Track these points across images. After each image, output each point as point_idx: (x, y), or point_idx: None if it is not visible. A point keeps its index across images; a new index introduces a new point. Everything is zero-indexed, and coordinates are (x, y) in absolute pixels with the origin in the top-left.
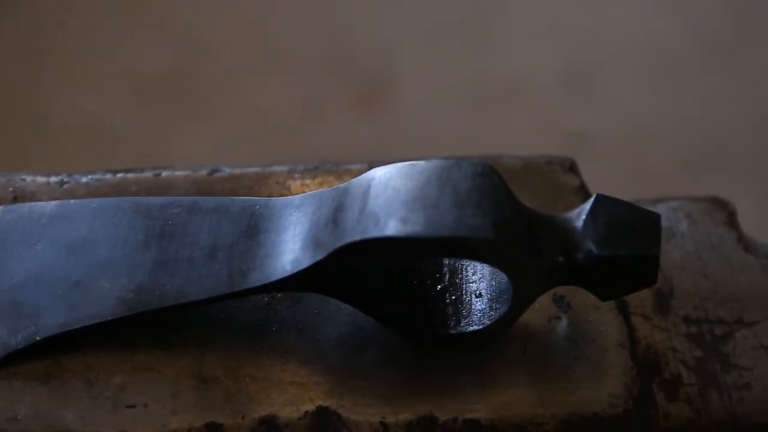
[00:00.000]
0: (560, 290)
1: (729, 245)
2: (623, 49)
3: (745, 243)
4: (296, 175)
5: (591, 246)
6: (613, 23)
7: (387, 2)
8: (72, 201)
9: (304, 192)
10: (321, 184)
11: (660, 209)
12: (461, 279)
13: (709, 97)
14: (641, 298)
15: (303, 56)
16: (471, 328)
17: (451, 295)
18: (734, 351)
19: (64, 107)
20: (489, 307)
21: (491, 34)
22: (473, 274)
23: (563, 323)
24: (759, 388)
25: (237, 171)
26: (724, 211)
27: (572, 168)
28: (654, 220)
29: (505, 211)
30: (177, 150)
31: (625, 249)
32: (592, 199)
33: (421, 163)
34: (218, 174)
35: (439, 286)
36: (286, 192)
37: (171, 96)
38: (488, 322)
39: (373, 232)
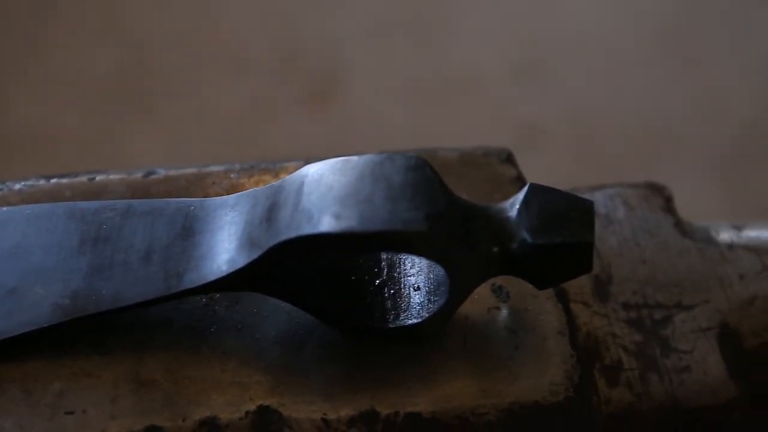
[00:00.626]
0: (499, 280)
1: (666, 230)
2: (571, 39)
3: (682, 227)
4: (232, 175)
5: (525, 235)
6: (561, 14)
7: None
8: (5, 208)
9: (240, 191)
10: (257, 183)
11: (597, 197)
12: (399, 273)
13: (655, 84)
14: (580, 286)
15: (253, 55)
16: (410, 322)
17: (389, 290)
18: (673, 335)
19: (10, 114)
20: (427, 299)
21: (440, 28)
22: (411, 268)
23: (503, 313)
24: (698, 370)
25: (173, 172)
26: (660, 196)
27: (509, 159)
28: (587, 207)
29: (438, 204)
30: (128, 153)
31: (559, 237)
32: (525, 189)
33: (354, 158)
34: (154, 176)
35: (377, 281)
36: (222, 192)
37: (120, 99)
38: (427, 315)
39: (307, 229)
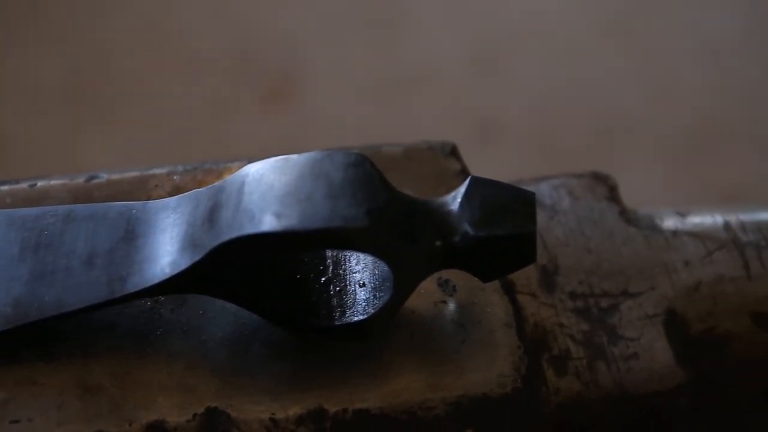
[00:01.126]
0: (445, 274)
1: (611, 219)
2: (527, 31)
3: (626, 216)
4: (175, 177)
5: (467, 228)
6: (514, 6)
7: None
8: None
9: (183, 193)
10: (200, 184)
11: (542, 188)
12: (345, 270)
13: (609, 75)
14: (527, 277)
15: (207, 56)
16: (356, 318)
17: (335, 287)
18: (620, 322)
19: None
20: (373, 296)
21: (395, 24)
22: (356, 264)
23: (449, 307)
24: (646, 357)
25: (115, 176)
26: (605, 185)
27: (453, 152)
28: (529, 198)
29: (379, 199)
30: (82, 160)
31: (501, 228)
32: (466, 182)
33: (295, 156)
34: (96, 180)
35: (322, 279)
36: (165, 194)
37: (74, 103)
38: (372, 311)
39: (248, 229)
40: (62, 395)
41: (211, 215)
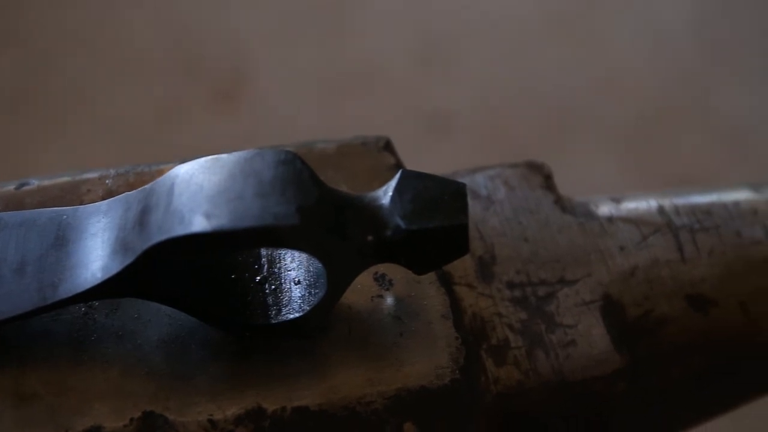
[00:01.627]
0: (381, 268)
1: (546, 207)
2: (475, 24)
3: (562, 204)
4: (108, 181)
5: (399, 222)
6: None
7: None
8: None
9: (115, 197)
10: (133, 187)
11: (478, 179)
12: (280, 268)
13: (559, 65)
14: (464, 268)
15: (154, 59)
16: (292, 316)
17: (270, 285)
18: (558, 310)
19: None
20: (308, 293)
21: (344, 19)
22: (291, 262)
23: (386, 301)
24: (583, 343)
25: (46, 182)
26: (540, 174)
27: (387, 147)
28: (460, 189)
29: (309, 196)
30: (31, 167)
31: (433, 221)
32: (397, 176)
33: (224, 156)
34: (26, 187)
35: (257, 278)
36: (98, 199)
37: (18, 112)
38: (308, 308)
39: (179, 231)
40: None
41: (142, 218)
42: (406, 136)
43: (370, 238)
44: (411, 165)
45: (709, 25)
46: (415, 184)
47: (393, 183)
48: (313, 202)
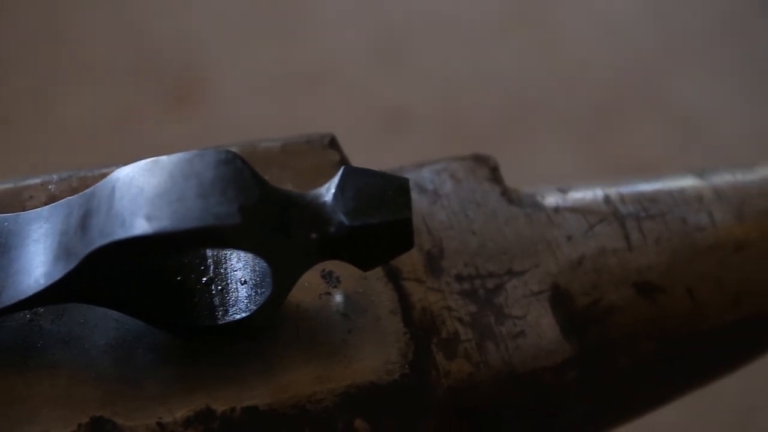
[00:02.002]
0: (329, 265)
1: (493, 200)
2: (429, 18)
3: (509, 195)
4: (50, 187)
5: (342, 218)
6: None
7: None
8: None
9: (56, 202)
10: (76, 192)
11: (424, 173)
12: (226, 269)
13: (514, 57)
14: (413, 263)
15: (108, 62)
16: (239, 316)
17: (217, 286)
18: (506, 301)
19: None
20: (254, 292)
21: (299, 19)
22: (237, 262)
23: (334, 298)
24: (533, 333)
25: None
26: (486, 166)
27: (332, 143)
28: (403, 184)
29: (251, 195)
30: None
31: (376, 217)
32: (339, 172)
33: (164, 158)
34: None
35: (204, 279)
36: (40, 204)
37: None
38: (255, 308)
39: (120, 234)
40: None
41: (84, 222)
42: (364, 133)
43: (313, 235)
44: (369, 162)
45: (662, 15)
46: (357, 181)
47: (335, 180)
48: (254, 201)
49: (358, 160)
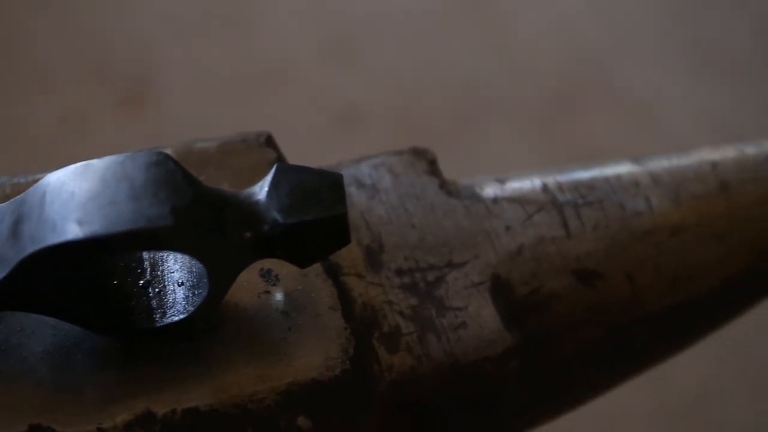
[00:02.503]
0: (267, 264)
1: (432, 193)
2: (378, 14)
3: (447, 188)
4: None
5: (276, 216)
6: None
7: (134, 2)
8: None
9: None
10: (9, 198)
11: (362, 168)
12: (163, 270)
13: (465, 50)
14: (353, 258)
15: (57, 66)
16: (177, 318)
17: (154, 289)
18: (447, 293)
19: None
20: (192, 293)
21: (248, 19)
22: (174, 264)
23: (273, 296)
24: (474, 324)
25: None
26: (424, 160)
27: (269, 142)
28: (337, 180)
29: (183, 197)
30: None
31: (311, 213)
32: (272, 170)
33: (96, 161)
34: None
35: (141, 282)
36: None
37: None
38: (192, 309)
39: (51, 240)
40: None
41: (15, 229)
42: (317, 130)
43: (248, 234)
44: (324, 160)
45: (610, 5)
46: (291, 178)
47: (269, 178)
48: (187, 202)
49: (311, 158)
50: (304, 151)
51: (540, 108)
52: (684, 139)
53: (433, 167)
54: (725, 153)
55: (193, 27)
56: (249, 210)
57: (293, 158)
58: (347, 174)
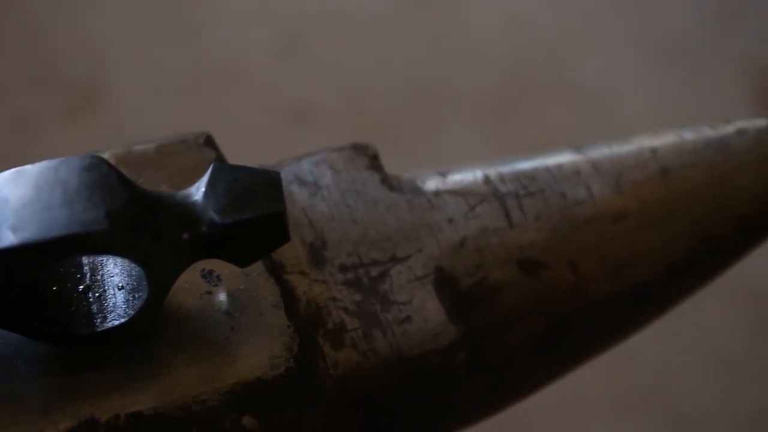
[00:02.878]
0: (208, 264)
1: (374, 188)
2: (329, 11)
3: (389, 182)
4: None
5: (213, 216)
6: None
7: (80, 5)
8: None
9: None
10: None
11: (303, 165)
12: (103, 275)
13: (418, 45)
14: (296, 256)
15: (6, 70)
16: (118, 322)
17: (94, 293)
18: (391, 288)
19: None
20: (132, 297)
21: (198, 19)
22: (114, 268)
23: (215, 297)
24: (418, 318)
25: None
26: (365, 155)
27: (208, 142)
28: (274, 178)
29: (118, 200)
30: None
31: (248, 212)
32: (209, 170)
33: (29, 167)
34: None
35: (80, 287)
36: None
37: None
38: (133, 312)
39: None
40: None
41: None
42: (269, 130)
43: (185, 236)
44: (275, 157)
45: None
46: (227, 177)
47: (205, 178)
48: (122, 205)
49: (264, 156)
50: (257, 149)
51: (492, 101)
52: (636, 128)
53: (374, 162)
54: (665, 139)
55: (143, 29)
56: (186, 211)
57: (245, 157)
58: (288, 172)
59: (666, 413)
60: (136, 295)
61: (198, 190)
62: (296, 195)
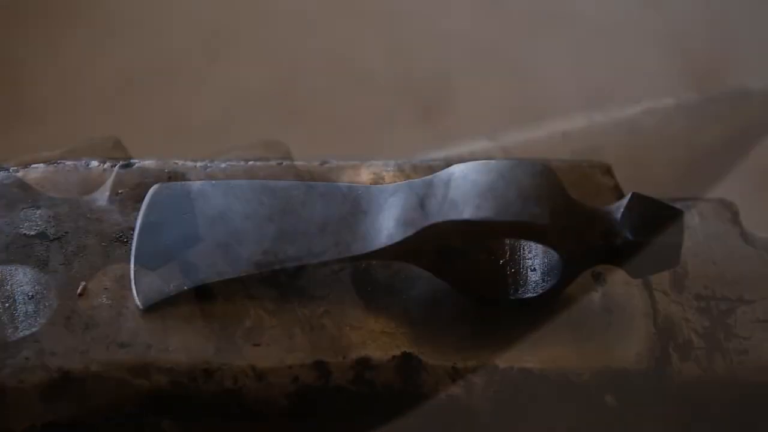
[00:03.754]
0: (598, 268)
1: (733, 238)
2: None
3: (745, 237)
4: (388, 168)
5: (627, 234)
6: None
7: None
8: (213, 181)
9: (393, 182)
10: (408, 177)
11: (677, 206)
12: (519, 256)
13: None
14: (661, 278)
15: None
16: (527, 295)
17: (511, 269)
18: (736, 323)
19: None
20: (542, 279)
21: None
22: (528, 252)
23: (599, 295)
24: (755, 353)
25: (342, 163)
26: (729, 211)
27: (608, 171)
28: (678, 213)
29: (558, 203)
30: None
31: (654, 236)
32: (628, 196)
33: (492, 162)
34: (327, 165)
35: (501, 261)
36: (380, 181)
37: None
38: (541, 291)
39: (453, 216)
40: (293, 329)
41: (423, 202)
42: (212, 124)
43: (601, 242)
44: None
45: None
46: (642, 205)
47: (624, 202)
48: (561, 208)
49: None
50: (204, 144)
51: (427, 88)
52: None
53: (735, 217)
54: (575, 122)
55: (66, 32)
56: (608, 225)
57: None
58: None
59: None
60: (545, 278)
61: (618, 210)
62: None
